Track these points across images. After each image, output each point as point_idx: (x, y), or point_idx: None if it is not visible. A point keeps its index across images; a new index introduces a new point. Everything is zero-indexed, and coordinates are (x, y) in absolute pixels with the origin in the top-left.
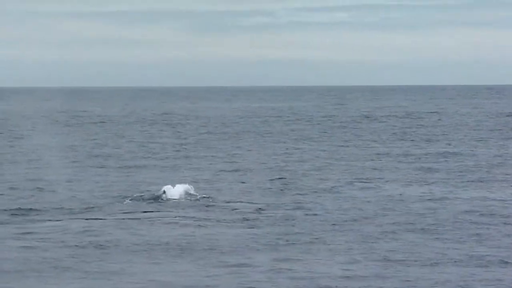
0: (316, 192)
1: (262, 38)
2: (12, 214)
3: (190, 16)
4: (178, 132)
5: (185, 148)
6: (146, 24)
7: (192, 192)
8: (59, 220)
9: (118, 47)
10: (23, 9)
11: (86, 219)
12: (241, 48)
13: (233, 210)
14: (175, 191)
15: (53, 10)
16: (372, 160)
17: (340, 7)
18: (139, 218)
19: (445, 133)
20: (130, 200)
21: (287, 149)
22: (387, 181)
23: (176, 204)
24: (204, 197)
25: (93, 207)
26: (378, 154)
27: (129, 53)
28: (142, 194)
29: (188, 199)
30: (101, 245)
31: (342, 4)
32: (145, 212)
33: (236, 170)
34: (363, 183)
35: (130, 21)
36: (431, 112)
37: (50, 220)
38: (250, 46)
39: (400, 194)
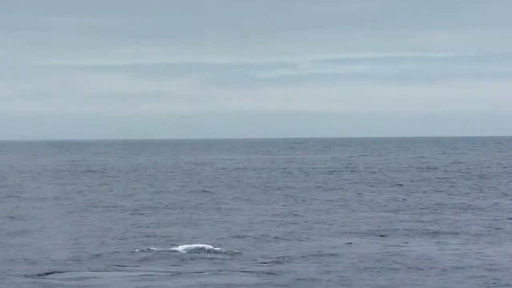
0: (331, 245)
1: (285, 90)
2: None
3: (213, 69)
4: (197, 183)
5: (201, 204)
6: (168, 77)
7: (202, 246)
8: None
9: (140, 100)
10: (40, 64)
11: (93, 271)
12: (265, 100)
13: (245, 263)
14: (187, 246)
15: (72, 64)
16: (388, 211)
17: (361, 59)
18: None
19: (461, 184)
20: (140, 252)
21: (303, 200)
22: (404, 234)
23: (184, 257)
24: (216, 250)
25: (101, 260)
26: (396, 204)
27: (152, 106)
28: (152, 247)
29: (197, 252)
30: None
31: (363, 56)
32: (151, 265)
33: (251, 223)
34: (377, 236)
35: (152, 74)
36: (452, 163)
37: (60, 272)
38: (273, 99)
39: (412, 250)
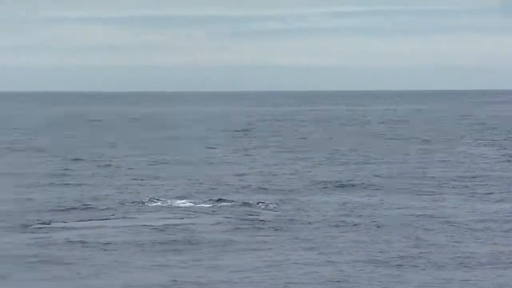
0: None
1: (272, 44)
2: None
3: (203, 21)
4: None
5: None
6: (160, 29)
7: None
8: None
9: (131, 52)
10: (42, 16)
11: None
12: (252, 53)
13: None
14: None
15: (71, 17)
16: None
17: (349, 13)
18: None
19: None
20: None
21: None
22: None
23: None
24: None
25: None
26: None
27: (145, 58)
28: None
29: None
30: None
31: (351, 10)
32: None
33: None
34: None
35: (144, 26)
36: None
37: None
38: (260, 52)
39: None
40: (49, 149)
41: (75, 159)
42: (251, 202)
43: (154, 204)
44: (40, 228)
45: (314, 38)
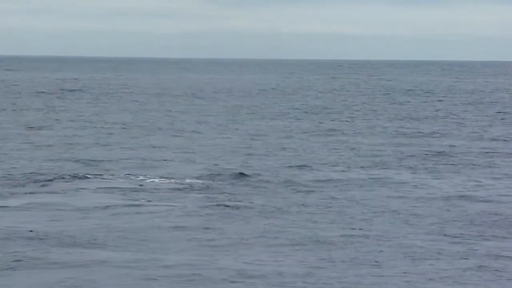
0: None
1: (287, 12)
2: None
3: None
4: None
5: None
6: None
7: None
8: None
9: (144, 18)
10: None
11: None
12: (263, 21)
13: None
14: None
15: None
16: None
17: None
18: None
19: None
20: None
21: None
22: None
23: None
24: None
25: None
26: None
27: (155, 24)
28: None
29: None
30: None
31: None
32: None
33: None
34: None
35: None
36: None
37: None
38: (273, 20)
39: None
40: None
41: None
42: None
43: None
44: None
45: (335, 6)
